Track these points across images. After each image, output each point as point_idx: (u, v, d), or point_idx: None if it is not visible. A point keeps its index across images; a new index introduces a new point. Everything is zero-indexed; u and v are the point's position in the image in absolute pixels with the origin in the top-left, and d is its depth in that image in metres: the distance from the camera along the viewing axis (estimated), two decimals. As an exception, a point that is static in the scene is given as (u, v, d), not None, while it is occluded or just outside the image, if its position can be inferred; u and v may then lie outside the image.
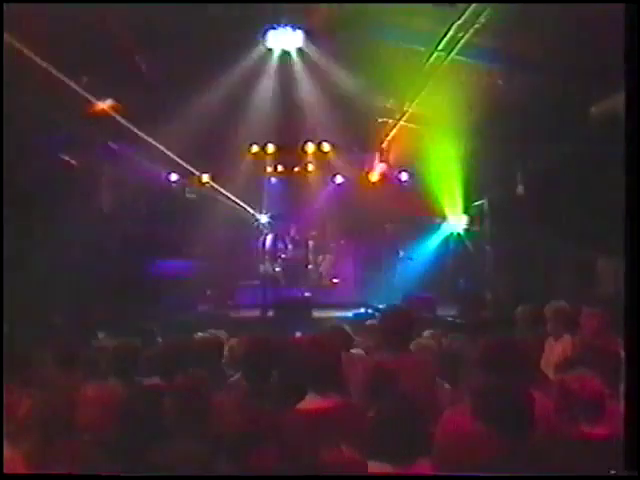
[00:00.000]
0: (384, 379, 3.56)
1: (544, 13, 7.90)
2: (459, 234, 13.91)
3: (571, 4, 7.22)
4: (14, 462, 2.99)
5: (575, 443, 2.95)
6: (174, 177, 14.27)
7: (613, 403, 3.22)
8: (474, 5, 8.34)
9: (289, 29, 10.95)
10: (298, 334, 7.03)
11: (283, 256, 14.15)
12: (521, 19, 8.29)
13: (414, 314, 4.64)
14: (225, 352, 5.29)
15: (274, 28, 10.94)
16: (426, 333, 5.55)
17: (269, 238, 14.12)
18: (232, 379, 4.42)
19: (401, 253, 14.02)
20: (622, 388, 3.27)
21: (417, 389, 3.71)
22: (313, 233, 14.68)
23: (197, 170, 14.27)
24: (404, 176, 14.33)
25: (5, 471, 2.87)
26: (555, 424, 3.10)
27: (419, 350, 4.72)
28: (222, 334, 6.39)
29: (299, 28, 10.97)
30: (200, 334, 5.66)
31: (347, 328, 5.67)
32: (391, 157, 14.13)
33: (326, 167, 14.55)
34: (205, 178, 14.36)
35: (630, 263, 2.94)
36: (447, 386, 4.43)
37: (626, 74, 3.30)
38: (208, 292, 13.25)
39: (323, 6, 9.60)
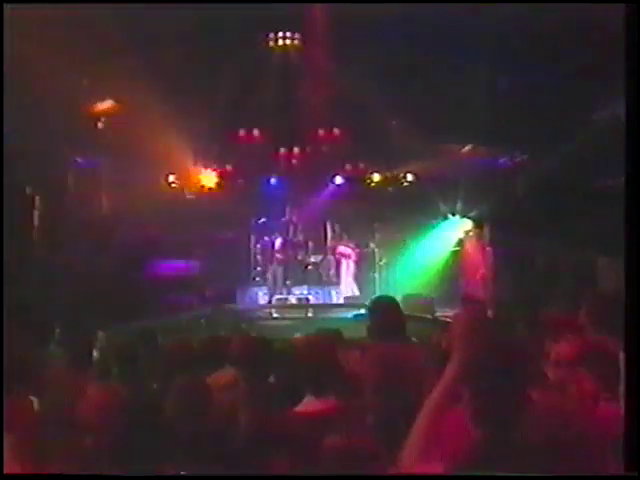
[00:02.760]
0: (378, 373, 3.51)
1: (544, 13, 7.91)
2: (460, 235, 13.92)
3: (571, 4, 7.22)
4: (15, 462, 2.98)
5: (572, 442, 2.94)
6: (174, 177, 14.24)
7: (610, 403, 3.22)
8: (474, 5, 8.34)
9: (291, 28, 10.97)
10: (297, 335, 7.02)
11: (283, 257, 14.16)
12: (521, 19, 8.30)
13: (402, 309, 4.61)
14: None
15: (274, 28, 10.96)
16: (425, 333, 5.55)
17: (269, 239, 14.13)
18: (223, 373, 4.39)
19: (401, 254, 14.01)
20: (621, 388, 3.28)
21: (407, 385, 3.69)
22: (313, 234, 14.67)
23: (197, 171, 14.27)
24: (409, 177, 14.30)
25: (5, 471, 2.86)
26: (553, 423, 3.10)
27: (417, 349, 4.71)
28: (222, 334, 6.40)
29: (300, 29, 10.99)
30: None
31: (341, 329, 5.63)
32: (392, 158, 14.11)
33: (326, 168, 14.53)
34: (205, 179, 14.35)
35: (630, 263, 2.94)
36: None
37: (626, 74, 3.30)
38: (207, 292, 13.23)
39: (323, 6, 9.58)
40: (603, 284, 8.82)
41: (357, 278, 13.79)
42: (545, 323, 5.17)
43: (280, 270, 13.97)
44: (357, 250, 13.78)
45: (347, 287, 13.68)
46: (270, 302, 13.43)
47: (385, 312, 4.43)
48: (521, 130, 10.80)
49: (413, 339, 4.96)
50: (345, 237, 13.93)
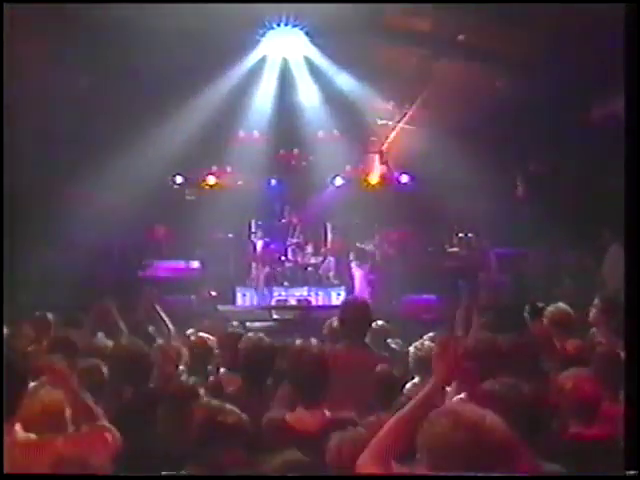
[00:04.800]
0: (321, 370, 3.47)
1: (544, 13, 7.90)
2: (460, 235, 13.89)
3: (571, 4, 7.22)
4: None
5: (570, 443, 2.94)
6: (172, 178, 14.20)
7: (611, 404, 3.21)
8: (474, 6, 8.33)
9: (289, 29, 10.95)
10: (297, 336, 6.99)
11: (283, 258, 14.15)
12: (521, 19, 8.29)
13: (370, 305, 4.64)
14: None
15: (274, 28, 10.95)
16: (426, 336, 5.52)
17: (269, 240, 14.11)
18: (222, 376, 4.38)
19: (402, 254, 13.98)
20: (619, 388, 3.27)
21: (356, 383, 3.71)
22: (312, 235, 14.65)
23: (196, 172, 14.25)
24: (404, 178, 14.30)
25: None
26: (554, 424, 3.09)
27: (418, 352, 4.69)
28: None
29: (300, 29, 10.98)
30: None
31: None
32: (391, 159, 14.10)
33: (326, 169, 14.51)
34: (210, 180, 14.32)
35: (630, 263, 2.93)
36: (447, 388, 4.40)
37: (626, 74, 3.30)
38: (206, 293, 13.21)
39: (323, 6, 9.56)
40: (604, 284, 8.80)
41: (357, 279, 13.77)
42: (549, 323, 5.16)
43: (280, 271, 13.97)
44: (371, 253, 13.68)
45: (347, 288, 13.64)
46: (270, 303, 13.40)
47: (349, 314, 4.44)
48: (520, 130, 10.80)
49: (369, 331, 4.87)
50: (345, 238, 13.86)
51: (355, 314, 4.40)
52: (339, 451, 2.70)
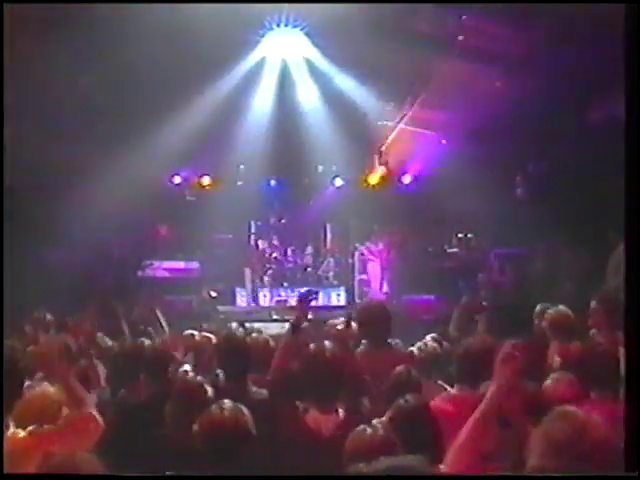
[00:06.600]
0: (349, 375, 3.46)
1: (544, 13, 7.91)
2: (460, 236, 13.89)
3: (571, 4, 7.22)
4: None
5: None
6: (171, 179, 14.20)
7: (611, 404, 3.22)
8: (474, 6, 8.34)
9: (289, 29, 10.95)
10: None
11: (282, 259, 14.16)
12: (521, 19, 8.30)
13: (389, 308, 4.68)
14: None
15: (273, 29, 10.95)
16: (428, 336, 5.51)
17: (269, 241, 14.12)
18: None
19: (402, 255, 13.97)
20: (605, 390, 3.30)
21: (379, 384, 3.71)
22: (312, 236, 14.66)
23: (195, 172, 14.24)
24: (407, 179, 14.29)
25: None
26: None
27: (420, 352, 4.67)
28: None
29: (300, 29, 10.98)
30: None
31: None
32: (391, 160, 14.10)
33: (326, 169, 14.51)
34: (205, 181, 14.32)
35: (630, 263, 2.93)
36: (450, 389, 4.40)
37: (626, 75, 3.30)
38: (206, 294, 13.21)
39: (323, 6, 9.56)
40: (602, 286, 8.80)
41: (357, 280, 13.76)
42: (549, 326, 5.15)
43: (280, 272, 13.98)
44: (383, 251, 13.67)
45: (347, 289, 13.63)
46: (270, 304, 13.42)
47: (369, 317, 4.44)
48: (520, 130, 10.80)
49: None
50: (372, 237, 13.83)
51: (375, 317, 4.44)
52: (355, 449, 2.68)
